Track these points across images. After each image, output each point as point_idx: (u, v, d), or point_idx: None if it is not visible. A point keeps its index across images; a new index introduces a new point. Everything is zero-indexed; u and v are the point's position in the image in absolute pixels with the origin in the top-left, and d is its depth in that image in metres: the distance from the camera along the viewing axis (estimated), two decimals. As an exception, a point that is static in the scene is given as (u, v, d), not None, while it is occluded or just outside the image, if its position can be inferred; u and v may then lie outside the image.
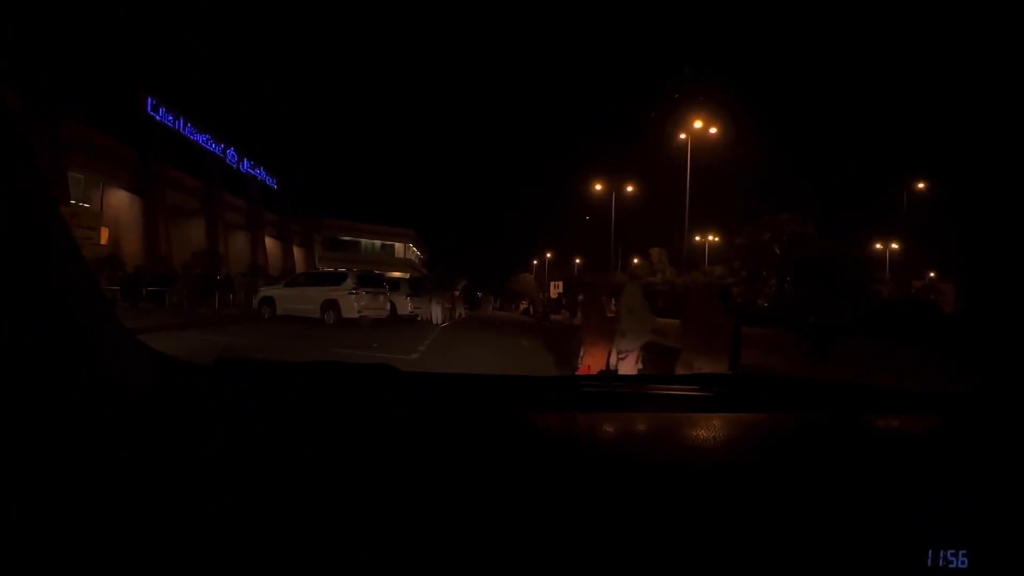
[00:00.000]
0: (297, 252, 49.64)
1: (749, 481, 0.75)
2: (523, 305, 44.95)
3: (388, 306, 17.66)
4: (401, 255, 61.64)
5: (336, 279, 16.31)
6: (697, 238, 44.54)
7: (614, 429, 1.00)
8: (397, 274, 30.28)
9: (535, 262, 75.32)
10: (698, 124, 33.64)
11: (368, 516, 0.64)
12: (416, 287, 22.32)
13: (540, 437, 0.90)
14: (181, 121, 32.76)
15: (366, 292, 16.08)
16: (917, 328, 17.08)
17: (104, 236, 28.31)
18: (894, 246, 37.05)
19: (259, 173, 43.24)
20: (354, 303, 15.48)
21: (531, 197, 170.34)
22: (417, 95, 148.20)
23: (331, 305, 15.54)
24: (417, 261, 64.81)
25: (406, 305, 21.29)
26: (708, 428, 0.97)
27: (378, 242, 60.68)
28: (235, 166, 39.56)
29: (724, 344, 6.15)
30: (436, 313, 20.95)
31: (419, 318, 21.20)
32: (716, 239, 48.91)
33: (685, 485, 0.72)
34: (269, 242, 44.68)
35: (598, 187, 48.21)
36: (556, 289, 31.37)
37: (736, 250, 31.84)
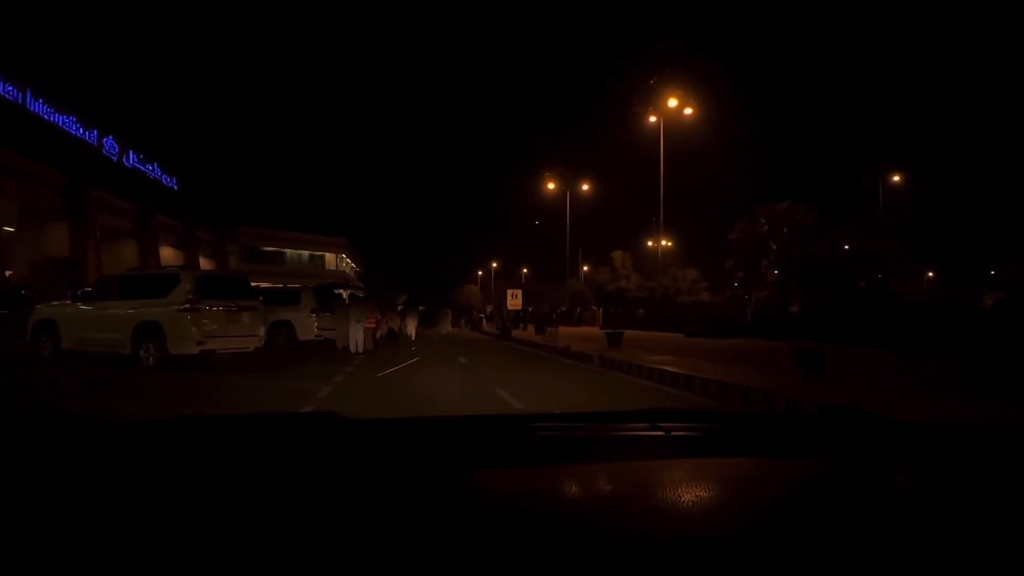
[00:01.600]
0: (206, 264, 42.31)
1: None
2: (476, 317, 39.23)
3: (261, 331, 10.83)
4: (333, 266, 55.11)
5: (161, 286, 9.62)
6: (650, 243, 39.69)
7: (573, 491, 0.94)
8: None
9: (480, 273, 71.22)
10: (672, 102, 28.87)
11: None
12: (325, 299, 15.84)
13: (492, 507, 0.82)
14: (28, 95, 25.53)
15: (216, 307, 9.64)
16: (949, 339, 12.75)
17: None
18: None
19: (151, 169, 35.95)
20: (190, 328, 9.09)
21: (476, 203, 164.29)
22: (349, 88, 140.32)
23: (150, 332, 9.09)
24: (352, 273, 58.12)
25: (310, 326, 14.98)
26: (679, 484, 0.90)
27: (306, 252, 53.95)
28: (115, 158, 32.21)
29: None
30: (357, 336, 14.53)
31: (337, 344, 14.77)
32: (669, 244, 44.47)
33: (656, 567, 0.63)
34: (167, 252, 37.40)
35: (550, 186, 43.23)
36: (514, 299, 25.56)
37: (730, 246, 26.97)
